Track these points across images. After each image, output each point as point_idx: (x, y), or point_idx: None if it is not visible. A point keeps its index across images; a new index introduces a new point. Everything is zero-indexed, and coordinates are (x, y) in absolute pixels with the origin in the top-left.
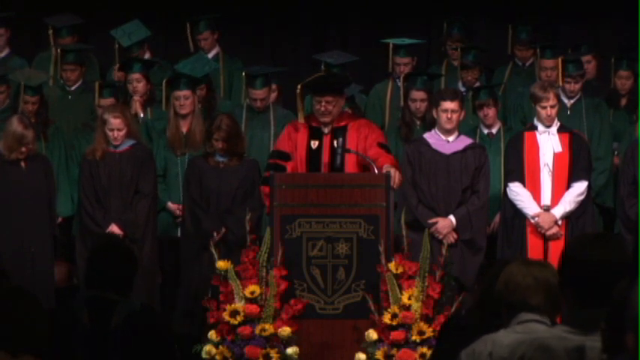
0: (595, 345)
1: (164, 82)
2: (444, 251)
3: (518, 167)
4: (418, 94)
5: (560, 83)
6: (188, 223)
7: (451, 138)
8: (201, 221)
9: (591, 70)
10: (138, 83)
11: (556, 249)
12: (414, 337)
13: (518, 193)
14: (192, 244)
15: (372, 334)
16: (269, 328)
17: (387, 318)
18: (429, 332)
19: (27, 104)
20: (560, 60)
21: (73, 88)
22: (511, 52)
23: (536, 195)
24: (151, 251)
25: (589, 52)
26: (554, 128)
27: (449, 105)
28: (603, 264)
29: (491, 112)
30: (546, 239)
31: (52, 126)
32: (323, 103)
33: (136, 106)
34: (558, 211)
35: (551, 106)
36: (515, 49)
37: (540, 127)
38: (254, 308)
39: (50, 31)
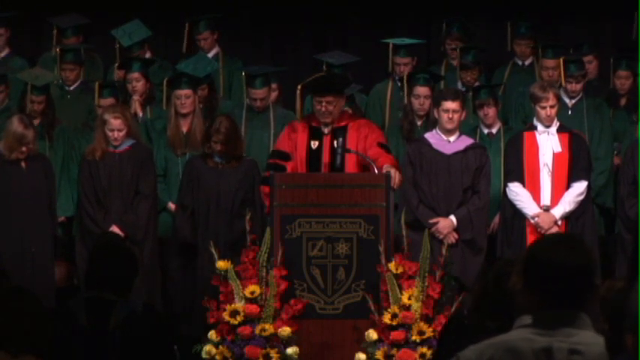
0: (562, 346)
1: (165, 81)
2: (444, 251)
3: (518, 167)
4: (422, 90)
5: (563, 83)
6: (175, 224)
7: (452, 138)
8: (179, 225)
9: (592, 70)
10: (137, 83)
11: None
12: (414, 337)
13: (517, 193)
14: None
15: (372, 334)
16: (269, 328)
17: (387, 318)
18: (429, 332)
19: (33, 104)
20: (561, 60)
21: (72, 87)
22: (511, 49)
23: (536, 195)
24: (151, 252)
25: (591, 51)
26: (553, 128)
27: (450, 105)
28: (567, 266)
29: (491, 111)
30: None
31: (58, 126)
32: (324, 104)
33: (136, 105)
34: (558, 211)
35: (551, 107)
36: (515, 45)
37: (540, 127)
38: (254, 308)
39: (55, 31)
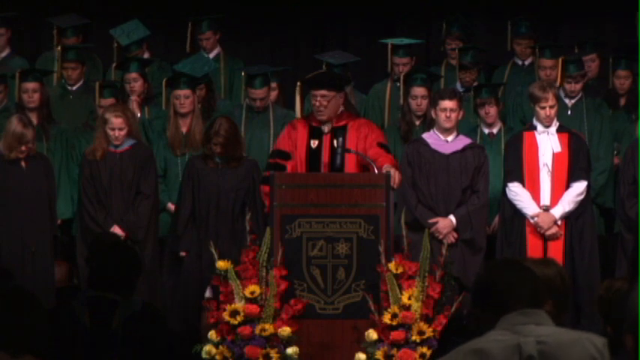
0: (528, 340)
1: (164, 81)
2: (444, 251)
3: (518, 167)
4: (419, 90)
5: (559, 83)
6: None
7: (450, 138)
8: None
9: (595, 69)
10: (135, 83)
11: (555, 249)
12: (414, 337)
13: (517, 193)
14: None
15: (372, 334)
16: (269, 328)
17: (387, 318)
18: (429, 332)
19: (27, 93)
20: (560, 60)
21: (74, 87)
22: (511, 48)
23: (536, 195)
24: (152, 252)
25: (594, 50)
26: (553, 128)
27: (448, 104)
28: (511, 284)
29: (492, 110)
30: (546, 239)
31: (56, 126)
32: (318, 98)
33: (134, 105)
34: (557, 211)
35: (550, 107)
36: (515, 44)
37: (539, 127)
38: (254, 308)
39: (55, 31)
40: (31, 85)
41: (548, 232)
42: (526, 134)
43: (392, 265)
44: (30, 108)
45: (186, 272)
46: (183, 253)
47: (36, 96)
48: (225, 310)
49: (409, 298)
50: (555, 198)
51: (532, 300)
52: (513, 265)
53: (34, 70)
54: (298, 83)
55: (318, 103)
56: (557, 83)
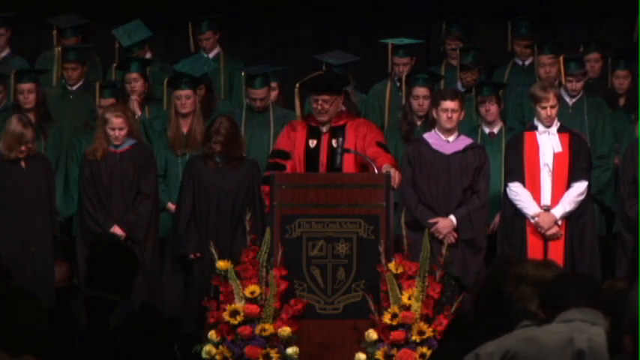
0: (582, 336)
1: (165, 81)
2: (444, 251)
3: (518, 167)
4: (421, 91)
5: (563, 82)
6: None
7: (451, 138)
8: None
9: (597, 69)
10: (135, 83)
11: (556, 249)
12: (414, 337)
13: (518, 193)
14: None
15: (372, 334)
16: (269, 328)
17: (387, 318)
18: (429, 332)
19: (23, 94)
20: (561, 58)
21: (74, 87)
22: (511, 49)
23: (536, 195)
24: (152, 252)
25: (599, 49)
26: (554, 128)
27: (449, 104)
28: (571, 285)
29: (493, 108)
30: (546, 239)
31: (54, 126)
32: (320, 102)
33: (134, 105)
34: (558, 211)
35: (551, 107)
36: (515, 45)
37: (540, 127)
38: (254, 308)
39: (54, 32)
40: (26, 86)
41: (549, 232)
42: (527, 134)
43: (392, 265)
44: (26, 109)
45: (198, 272)
46: (193, 256)
47: (31, 97)
48: (225, 310)
49: (409, 298)
50: (556, 198)
51: (590, 301)
52: (575, 273)
53: (29, 70)
54: (297, 85)
55: (320, 107)
56: (558, 82)
